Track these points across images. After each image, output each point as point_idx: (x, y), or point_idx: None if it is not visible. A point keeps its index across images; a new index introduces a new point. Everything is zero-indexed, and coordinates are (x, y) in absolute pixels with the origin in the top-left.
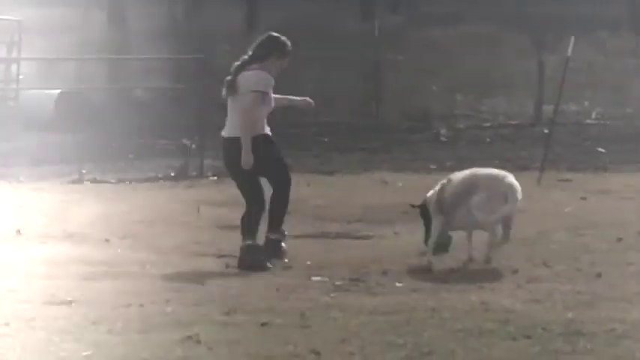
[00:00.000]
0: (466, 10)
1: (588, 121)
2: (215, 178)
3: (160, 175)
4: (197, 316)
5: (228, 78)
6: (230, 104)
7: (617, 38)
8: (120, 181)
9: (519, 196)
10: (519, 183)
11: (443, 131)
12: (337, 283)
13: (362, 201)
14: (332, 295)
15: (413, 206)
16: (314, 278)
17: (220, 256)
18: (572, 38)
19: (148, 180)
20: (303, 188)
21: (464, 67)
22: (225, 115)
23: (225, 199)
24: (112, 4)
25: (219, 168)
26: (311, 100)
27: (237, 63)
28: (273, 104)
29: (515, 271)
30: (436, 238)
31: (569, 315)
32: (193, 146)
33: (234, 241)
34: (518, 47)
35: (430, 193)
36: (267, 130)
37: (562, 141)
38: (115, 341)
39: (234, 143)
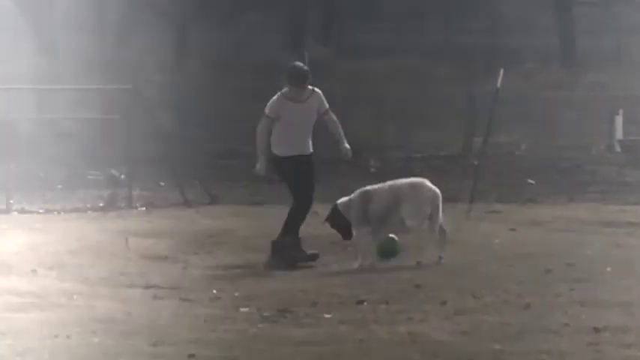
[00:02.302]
0: (396, 42)
1: (518, 152)
2: (144, 208)
3: (88, 206)
4: (124, 348)
5: None
6: None
7: (546, 70)
8: (48, 211)
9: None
10: (450, 215)
11: (372, 162)
12: (265, 314)
13: None
14: (259, 326)
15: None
16: (242, 309)
17: (148, 287)
18: (502, 70)
19: (76, 210)
20: (232, 219)
21: (394, 98)
22: (153, 144)
23: (154, 230)
24: (42, 33)
25: (148, 198)
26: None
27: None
28: (289, 124)
29: (444, 303)
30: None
31: (497, 347)
32: (122, 177)
33: (162, 272)
34: (448, 78)
35: (342, 200)
36: (301, 151)
37: (492, 172)
38: None
39: (274, 158)
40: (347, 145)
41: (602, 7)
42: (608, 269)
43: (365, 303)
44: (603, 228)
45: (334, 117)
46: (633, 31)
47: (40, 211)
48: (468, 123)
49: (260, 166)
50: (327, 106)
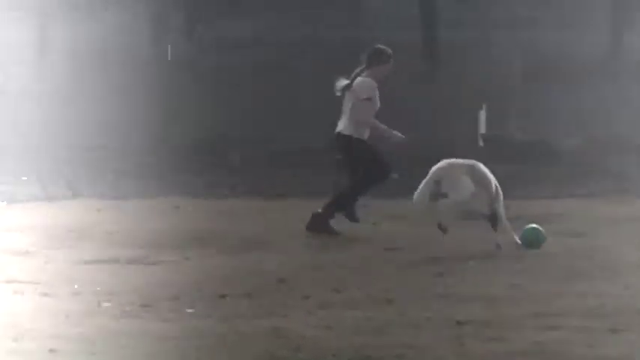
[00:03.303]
0: (259, 35)
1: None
2: (4, 203)
3: None
4: None
5: (347, 82)
6: (345, 103)
7: (409, 64)
8: None
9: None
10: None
11: (234, 156)
12: (127, 309)
13: (153, 226)
14: (121, 321)
15: None
16: (104, 304)
17: (8, 282)
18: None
19: None
20: (94, 213)
21: (258, 92)
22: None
23: (15, 225)
24: None
25: (9, 192)
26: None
27: (356, 71)
28: (377, 106)
29: (307, 297)
30: None
31: (360, 341)
32: None
33: (22, 267)
34: (311, 72)
35: None
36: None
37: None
38: None
39: (344, 139)
40: None
41: (464, 0)
42: (471, 263)
43: (227, 297)
44: (467, 222)
45: None
46: (497, 25)
47: None
48: (333, 116)
49: (396, 133)
50: None
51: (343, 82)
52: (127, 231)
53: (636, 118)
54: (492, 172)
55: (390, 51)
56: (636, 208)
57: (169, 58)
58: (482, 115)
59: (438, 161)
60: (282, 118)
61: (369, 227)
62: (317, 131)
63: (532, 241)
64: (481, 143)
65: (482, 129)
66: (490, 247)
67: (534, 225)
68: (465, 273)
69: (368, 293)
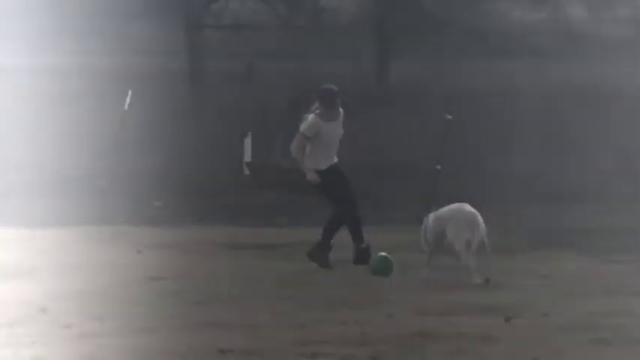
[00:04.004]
0: (33, 62)
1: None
2: None
3: None
4: None
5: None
6: None
7: (174, 91)
8: None
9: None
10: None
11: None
12: None
13: None
14: None
15: None
16: None
17: None
18: (130, 91)
19: None
20: None
21: (31, 118)
22: None
23: None
24: None
25: None
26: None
27: (312, 107)
28: (331, 137)
29: (69, 326)
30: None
31: None
32: None
33: None
34: (84, 98)
35: None
36: (330, 163)
37: (120, 193)
38: None
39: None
40: None
41: (231, 30)
42: (235, 291)
43: None
44: (232, 250)
45: None
46: (263, 54)
47: None
48: (92, 143)
49: (313, 175)
50: None
51: (303, 117)
52: None
53: (403, 143)
54: (256, 199)
55: (337, 92)
56: (403, 236)
57: None
58: (248, 142)
59: (202, 188)
60: (51, 144)
61: (132, 255)
62: (85, 158)
63: (381, 268)
64: (247, 171)
65: (248, 157)
66: (254, 275)
67: (384, 253)
68: (227, 301)
69: (129, 322)
